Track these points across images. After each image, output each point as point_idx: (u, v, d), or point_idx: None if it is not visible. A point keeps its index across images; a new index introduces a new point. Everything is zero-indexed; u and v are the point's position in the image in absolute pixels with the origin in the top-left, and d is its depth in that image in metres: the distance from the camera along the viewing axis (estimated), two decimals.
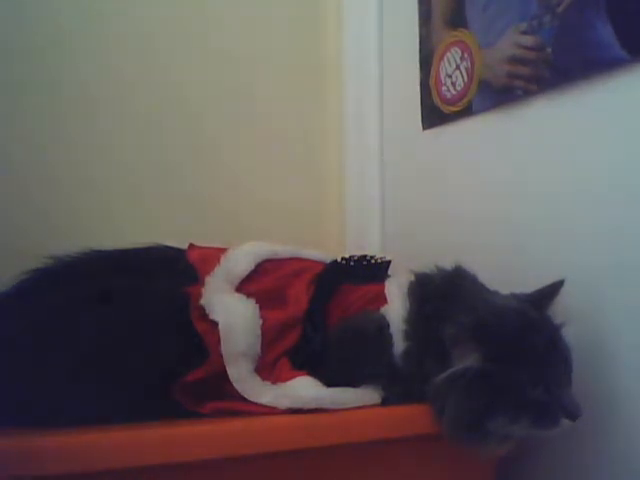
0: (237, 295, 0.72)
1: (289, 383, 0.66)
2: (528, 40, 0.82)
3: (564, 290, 0.71)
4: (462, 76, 0.95)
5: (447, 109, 0.99)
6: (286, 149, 1.22)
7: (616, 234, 0.72)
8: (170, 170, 1.10)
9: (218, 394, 0.65)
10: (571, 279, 0.71)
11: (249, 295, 0.72)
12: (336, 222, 1.25)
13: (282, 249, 0.80)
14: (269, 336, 0.69)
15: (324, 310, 0.74)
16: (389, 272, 0.82)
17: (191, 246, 0.79)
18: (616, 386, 0.71)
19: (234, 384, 0.65)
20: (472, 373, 0.63)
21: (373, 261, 0.82)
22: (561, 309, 0.71)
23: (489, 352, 0.63)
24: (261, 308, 0.70)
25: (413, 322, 0.71)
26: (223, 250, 0.78)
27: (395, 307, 0.72)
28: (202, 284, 0.71)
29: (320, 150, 1.26)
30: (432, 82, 1.02)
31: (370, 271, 0.81)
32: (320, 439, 0.62)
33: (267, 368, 0.68)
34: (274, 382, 0.67)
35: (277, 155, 1.21)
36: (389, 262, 0.83)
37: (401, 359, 0.70)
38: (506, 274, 0.78)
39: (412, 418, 0.67)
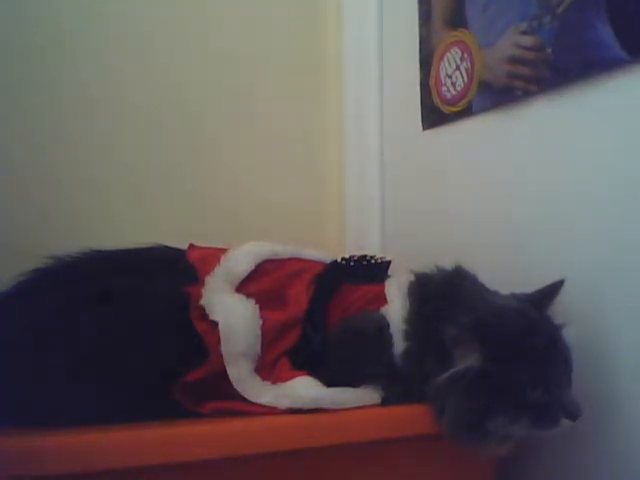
0: (237, 295, 0.72)
1: (289, 383, 0.66)
2: (528, 40, 0.82)
3: (564, 290, 0.71)
4: (462, 76, 0.95)
5: (447, 109, 0.99)
6: (286, 149, 1.22)
7: (616, 234, 0.72)
8: (170, 170, 1.11)
9: (218, 394, 0.65)
10: (571, 279, 0.71)
11: (249, 295, 0.72)
12: (336, 222, 1.25)
13: (282, 249, 0.80)
14: (269, 336, 0.69)
15: (324, 310, 0.74)
16: (389, 272, 0.82)
17: (191, 246, 0.79)
18: (616, 386, 0.71)
19: (234, 384, 0.65)
20: (472, 373, 0.63)
21: (373, 261, 0.82)
22: (561, 309, 0.71)
23: (489, 352, 0.63)
24: (261, 308, 0.70)
25: (413, 322, 0.71)
26: (223, 250, 0.78)
27: (395, 307, 0.72)
28: (202, 284, 0.71)
29: (320, 150, 1.26)
30: (432, 82, 1.02)
31: (370, 271, 0.81)
32: (320, 439, 0.62)
33: (267, 368, 0.68)
34: (274, 382, 0.67)
35: (277, 155, 1.21)
36: (389, 262, 0.83)
37: (401, 359, 0.70)
38: (506, 274, 0.78)
39: (412, 418, 0.67)
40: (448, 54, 0.98)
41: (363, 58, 1.21)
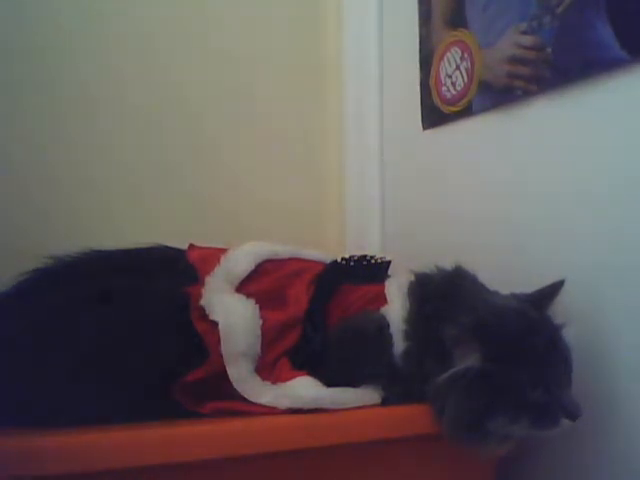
0: (237, 295, 0.72)
1: (289, 383, 0.66)
2: (528, 40, 0.82)
3: (564, 290, 0.71)
4: (462, 76, 0.95)
5: (447, 109, 0.99)
6: (286, 149, 1.22)
7: (616, 234, 0.72)
8: (170, 170, 1.11)
9: (218, 394, 0.65)
10: (571, 279, 0.71)
11: (249, 295, 0.72)
12: (336, 222, 1.25)
13: (282, 249, 0.80)
14: (269, 336, 0.69)
15: (324, 310, 0.74)
16: (389, 272, 0.82)
17: (191, 246, 0.79)
18: (616, 386, 0.71)
19: (234, 384, 0.65)
20: (472, 373, 0.63)
21: (373, 261, 0.82)
22: (561, 309, 0.71)
23: (489, 352, 0.63)
24: (261, 308, 0.70)
25: (413, 322, 0.71)
26: (223, 250, 0.78)
27: (395, 307, 0.72)
28: (202, 284, 0.71)
29: (320, 150, 1.26)
30: (432, 82, 1.02)
31: (370, 271, 0.81)
32: (320, 439, 0.62)
33: (267, 368, 0.68)
34: (274, 382, 0.67)
35: (277, 155, 1.21)
36: (389, 262, 0.83)
37: (401, 359, 0.70)
38: (506, 274, 0.78)
39: (412, 418, 0.67)
40: (448, 54, 0.98)
41: (363, 58, 1.21)
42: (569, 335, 0.69)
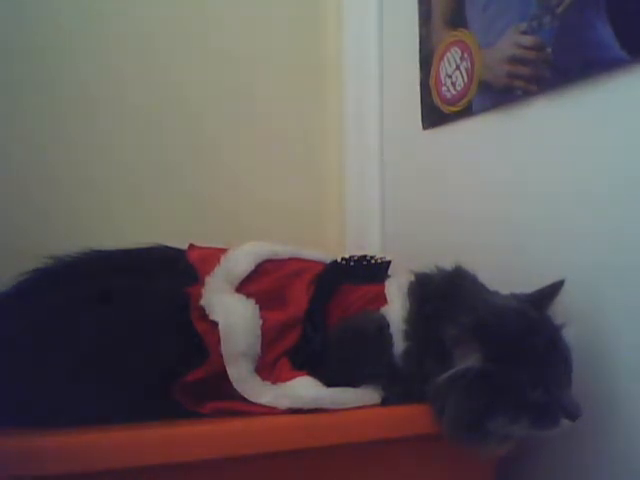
0: (237, 295, 0.72)
1: (289, 383, 0.66)
2: (528, 40, 0.82)
3: (564, 290, 0.71)
4: (462, 76, 0.95)
5: (447, 109, 0.99)
6: (286, 149, 1.22)
7: (616, 234, 0.72)
8: (170, 170, 1.11)
9: (218, 394, 0.65)
10: (571, 279, 0.71)
11: (249, 295, 0.72)
12: (336, 222, 1.25)
13: (282, 249, 0.80)
14: (269, 336, 0.69)
15: (324, 310, 0.74)
16: (389, 272, 0.82)
17: (191, 246, 0.79)
18: (616, 386, 0.71)
19: (234, 384, 0.65)
20: (472, 373, 0.63)
21: (373, 261, 0.82)
22: (561, 309, 0.71)
23: (490, 352, 0.63)
24: (261, 308, 0.70)
25: (413, 322, 0.71)
26: (223, 250, 0.78)
27: (395, 307, 0.72)
28: (202, 284, 0.71)
29: (320, 150, 1.26)
30: (432, 82, 1.02)
31: (370, 271, 0.81)
32: (320, 439, 0.62)
33: (267, 368, 0.68)
34: (274, 382, 0.67)
35: (277, 155, 1.21)
36: (389, 262, 0.83)
37: (401, 359, 0.70)
38: (506, 274, 0.78)
39: (412, 418, 0.67)
40: (448, 54, 0.98)
41: (363, 58, 1.21)
42: (569, 335, 0.69)
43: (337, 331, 0.73)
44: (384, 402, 0.68)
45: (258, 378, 0.66)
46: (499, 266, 0.81)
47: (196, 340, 0.67)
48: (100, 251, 0.75)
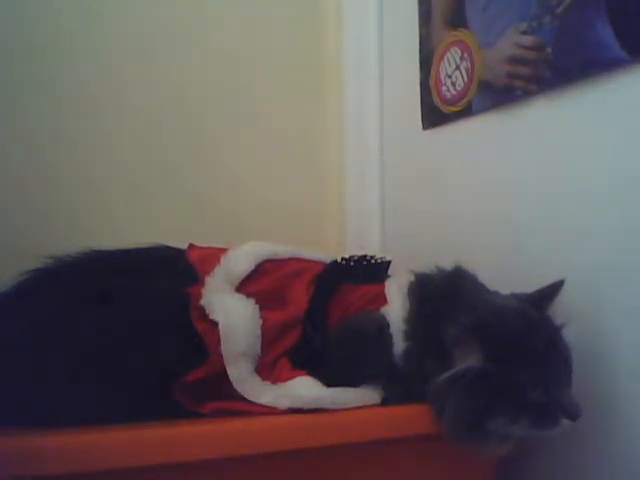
0: (237, 295, 0.72)
1: (289, 383, 0.66)
2: (528, 40, 0.82)
3: (564, 290, 0.71)
4: (462, 76, 0.95)
5: (447, 109, 0.99)
6: (286, 149, 1.22)
7: (616, 234, 0.72)
8: (170, 170, 1.11)
9: (218, 394, 0.65)
10: (571, 279, 0.71)
11: (249, 295, 0.72)
12: (336, 222, 1.25)
13: (282, 249, 0.80)
14: (269, 336, 0.69)
15: (324, 310, 0.74)
16: (389, 272, 0.82)
17: (191, 246, 0.79)
18: (616, 386, 0.71)
19: (234, 384, 0.65)
20: (472, 373, 0.63)
21: (373, 261, 0.82)
22: (561, 309, 0.71)
23: (490, 352, 0.63)
24: (261, 308, 0.70)
25: (413, 322, 0.71)
26: (223, 250, 0.78)
27: (395, 307, 0.72)
28: (202, 284, 0.71)
29: (320, 150, 1.26)
30: (432, 82, 1.02)
31: (370, 271, 0.81)
32: (320, 439, 0.62)
33: (267, 368, 0.68)
34: (274, 382, 0.67)
35: (277, 155, 1.21)
36: (389, 262, 0.83)
37: (401, 359, 0.70)
38: (506, 274, 0.78)
39: (412, 418, 0.67)
40: (448, 54, 0.98)
41: (363, 58, 1.21)
42: (569, 335, 0.69)
43: (337, 331, 0.73)
44: (384, 402, 0.68)
45: (258, 378, 0.66)
46: (499, 266, 0.81)
47: (196, 340, 0.67)
48: (100, 251, 0.75)
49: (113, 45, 1.07)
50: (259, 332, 0.68)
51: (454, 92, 0.97)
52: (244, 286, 0.74)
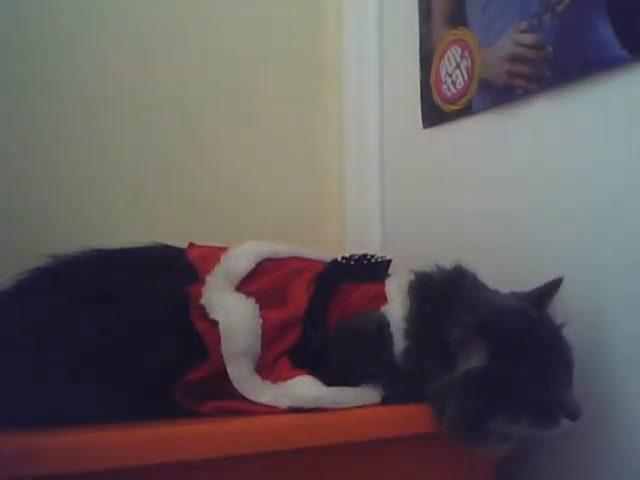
0: (237, 294, 0.72)
1: (289, 382, 0.66)
2: (528, 39, 0.82)
3: (564, 289, 0.71)
4: (462, 75, 0.95)
5: (447, 108, 0.99)
6: (286, 149, 1.22)
7: (616, 233, 0.72)
8: (170, 170, 1.10)
9: (218, 393, 0.65)
10: (571, 278, 0.71)
11: (249, 294, 0.72)
12: (336, 222, 1.25)
13: (282, 248, 0.80)
14: (269, 335, 0.69)
15: (324, 309, 0.74)
16: (389, 271, 0.82)
17: (191, 245, 0.79)
18: (616, 386, 0.71)
19: (234, 383, 0.65)
20: (472, 373, 0.62)
21: (373, 260, 0.82)
22: (561, 308, 0.71)
23: (494, 351, 0.63)
24: (261, 307, 0.70)
25: (413, 321, 0.70)
26: (223, 249, 0.78)
27: (395, 306, 0.72)
28: (202, 283, 0.71)
29: (320, 150, 1.26)
30: (432, 81, 1.02)
31: (370, 270, 0.81)
32: (320, 439, 0.62)
33: (267, 367, 0.68)
34: (274, 381, 0.67)
35: (277, 155, 1.21)
36: (389, 261, 0.83)
37: (401, 358, 0.70)
38: (506, 273, 0.78)
39: (412, 418, 0.67)
40: (448, 53, 0.98)
41: (363, 58, 1.21)
42: (569, 334, 0.69)
43: (337, 330, 0.72)
44: (384, 401, 0.68)
45: (258, 377, 0.66)
46: (499, 265, 0.81)
47: (196, 339, 0.67)
48: (100, 250, 0.75)
49: (113, 45, 1.07)
50: (259, 331, 0.68)
51: (454, 91, 0.97)
52: (244, 285, 0.74)
